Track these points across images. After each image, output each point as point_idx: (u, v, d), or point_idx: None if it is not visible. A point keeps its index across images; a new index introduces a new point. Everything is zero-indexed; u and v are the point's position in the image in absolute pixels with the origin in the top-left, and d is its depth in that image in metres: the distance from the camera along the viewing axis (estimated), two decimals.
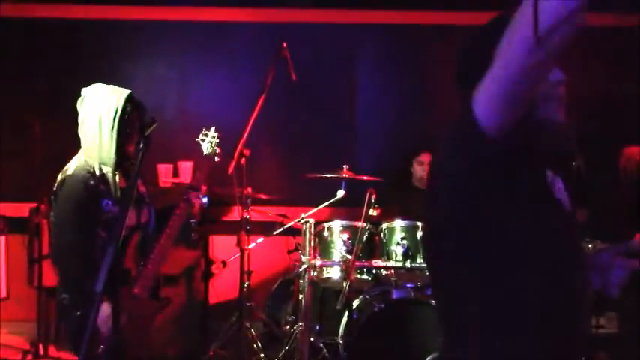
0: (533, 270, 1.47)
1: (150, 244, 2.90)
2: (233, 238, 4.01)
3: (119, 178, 2.79)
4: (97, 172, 2.72)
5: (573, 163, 3.38)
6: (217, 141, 3.22)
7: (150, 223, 2.99)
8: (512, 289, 1.46)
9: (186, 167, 4.80)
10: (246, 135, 3.89)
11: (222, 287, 4.51)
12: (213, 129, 3.23)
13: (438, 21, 4.99)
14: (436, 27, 4.99)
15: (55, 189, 2.73)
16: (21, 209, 4.55)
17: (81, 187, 2.68)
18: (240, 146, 3.83)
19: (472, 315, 1.50)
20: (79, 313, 2.63)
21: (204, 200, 3.72)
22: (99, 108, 2.73)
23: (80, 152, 2.79)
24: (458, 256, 1.51)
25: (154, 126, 2.08)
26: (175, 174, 4.85)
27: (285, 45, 4.12)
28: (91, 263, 2.59)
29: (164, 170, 4.82)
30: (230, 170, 3.76)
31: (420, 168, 4.52)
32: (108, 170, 2.74)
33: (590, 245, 3.89)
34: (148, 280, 2.81)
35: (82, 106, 2.78)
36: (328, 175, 4.01)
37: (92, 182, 2.69)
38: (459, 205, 1.48)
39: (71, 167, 2.75)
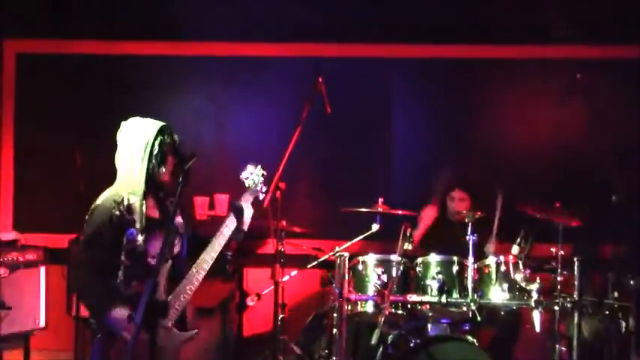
0: None
1: (181, 274, 2.93)
2: (267, 271, 4.03)
3: (148, 208, 2.84)
4: (125, 202, 2.79)
5: (613, 198, 3.33)
6: (262, 179, 3.23)
7: (182, 253, 3.02)
8: None
9: (222, 200, 4.85)
10: (281, 168, 3.92)
11: (257, 320, 4.51)
12: (259, 167, 3.24)
13: (474, 55, 5.01)
14: (472, 61, 5.00)
15: (86, 217, 2.82)
16: (60, 240, 4.64)
17: (106, 216, 2.77)
18: (276, 179, 3.86)
19: None
20: (99, 336, 2.72)
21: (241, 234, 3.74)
22: (132, 139, 2.84)
23: (115, 183, 2.87)
24: None
25: (193, 160, 2.11)
26: (211, 206, 4.90)
27: (320, 79, 4.17)
28: (109, 289, 2.69)
29: (200, 202, 4.88)
30: (266, 203, 3.79)
31: (453, 204, 4.49)
32: (136, 200, 2.81)
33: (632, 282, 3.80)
34: (176, 310, 2.84)
35: (119, 137, 2.88)
36: (363, 209, 4.01)
37: (117, 212, 2.76)
38: None
39: (102, 197, 2.84)
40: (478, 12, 4.93)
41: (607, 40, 4.82)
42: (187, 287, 2.88)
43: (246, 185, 3.17)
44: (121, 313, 2.67)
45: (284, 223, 4.05)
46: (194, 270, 2.91)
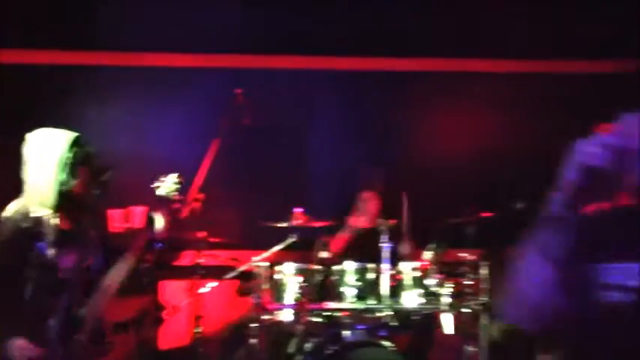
0: None
1: (95, 288, 2.87)
2: (185, 283, 3.99)
3: (60, 221, 2.79)
4: (34, 215, 2.73)
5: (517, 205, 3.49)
6: (176, 187, 3.19)
7: (96, 266, 2.96)
8: None
9: (137, 212, 4.76)
10: (200, 179, 3.91)
11: (174, 334, 4.45)
12: (175, 175, 3.20)
13: (389, 67, 5.16)
14: (388, 74, 5.15)
15: None
16: None
17: (11, 230, 2.71)
18: (194, 190, 3.84)
19: None
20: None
21: (158, 245, 3.70)
22: (41, 151, 2.79)
23: (23, 195, 2.80)
24: None
25: (110, 172, 2.09)
26: (127, 219, 4.80)
27: (239, 91, 4.20)
28: (12, 305, 2.63)
29: (115, 215, 4.77)
30: (183, 214, 3.76)
31: (363, 205, 4.58)
32: (46, 212, 2.75)
33: None
34: (90, 325, 2.78)
35: (26, 150, 2.82)
36: (281, 225, 4.03)
37: (25, 225, 2.71)
38: None
39: (8, 209, 2.77)
40: (395, 24, 5.08)
41: (523, 54, 5.08)
42: (102, 301, 2.83)
43: (159, 194, 3.12)
44: (19, 343, 2.59)
45: (202, 234, 4.03)
46: (109, 283, 2.86)
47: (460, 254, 4.00)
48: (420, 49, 5.09)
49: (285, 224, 4.03)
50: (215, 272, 4.25)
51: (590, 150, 1.50)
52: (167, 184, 3.15)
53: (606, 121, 3.17)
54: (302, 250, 4.17)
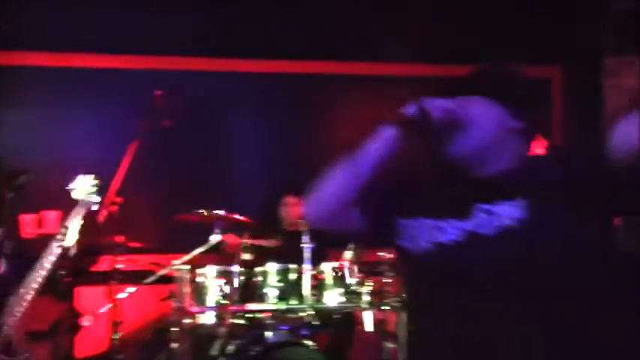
0: None
1: (6, 296, 2.78)
2: (103, 289, 3.90)
3: None
4: None
5: None
6: (94, 189, 3.13)
7: (6, 274, 2.86)
8: None
9: (51, 217, 4.61)
10: (118, 182, 3.84)
11: (92, 341, 4.34)
12: (92, 177, 3.13)
13: (309, 70, 5.22)
14: (308, 76, 5.21)
15: None
16: None
17: None
18: (111, 194, 3.77)
19: None
20: None
21: (73, 250, 3.61)
22: None
23: None
24: None
25: (25, 175, 2.04)
26: (40, 224, 4.65)
27: (159, 92, 4.15)
28: None
29: (27, 220, 4.60)
30: (101, 218, 3.69)
31: (285, 209, 4.64)
32: None
33: None
34: (2, 334, 2.69)
35: None
36: (203, 212, 4.00)
37: None
38: None
39: None
40: (315, 29, 5.15)
41: (436, 59, 5.24)
42: (14, 310, 2.74)
43: (75, 197, 3.06)
44: None
45: (121, 238, 3.96)
46: (22, 291, 2.77)
47: (379, 253, 4.11)
48: (336, 53, 5.17)
49: (206, 214, 4.00)
50: (134, 277, 4.18)
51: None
52: (83, 187, 3.08)
53: None
54: (224, 252, 4.16)
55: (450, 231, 1.68)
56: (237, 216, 4.14)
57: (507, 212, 1.63)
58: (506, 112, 1.75)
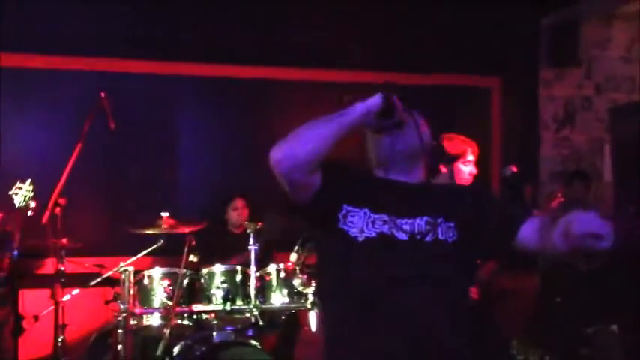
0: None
1: None
2: (47, 292, 3.87)
3: None
4: None
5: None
6: (32, 194, 3.13)
7: None
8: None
9: None
10: (61, 184, 3.82)
11: (35, 344, 4.29)
12: (28, 181, 3.13)
13: (256, 74, 5.28)
14: (254, 81, 5.27)
15: None
16: None
17: None
18: (55, 195, 3.76)
19: None
20: None
21: (14, 252, 3.59)
22: None
23: None
24: None
25: None
26: None
27: (103, 94, 4.15)
28: None
29: None
30: (44, 220, 3.67)
31: (235, 213, 4.71)
32: None
33: None
34: None
35: None
36: (148, 232, 4.00)
37: None
38: None
39: None
40: (261, 34, 5.22)
41: (382, 67, 5.37)
42: None
43: (16, 202, 3.06)
44: None
45: (64, 240, 3.94)
46: None
47: None
48: (283, 59, 5.25)
49: (152, 230, 4.02)
50: (79, 279, 4.17)
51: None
52: (23, 191, 3.09)
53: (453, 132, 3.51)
54: (170, 255, 4.19)
55: (380, 225, 1.89)
56: (182, 219, 4.16)
57: (412, 224, 1.91)
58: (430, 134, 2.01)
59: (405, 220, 1.89)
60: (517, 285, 4.95)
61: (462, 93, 5.60)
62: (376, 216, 1.89)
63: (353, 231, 1.87)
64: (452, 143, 3.35)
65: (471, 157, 3.37)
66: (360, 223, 1.88)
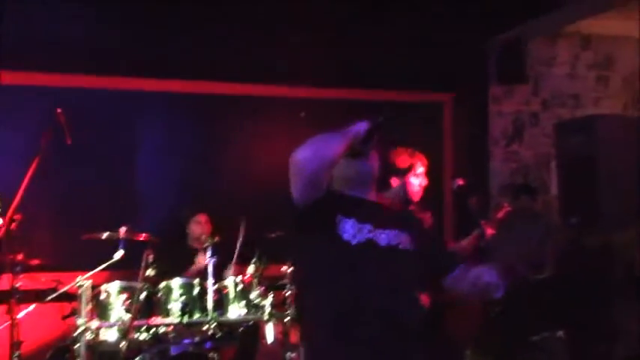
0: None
1: None
2: (2, 308, 3.84)
3: None
4: None
5: None
6: None
7: None
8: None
9: None
10: (17, 200, 3.82)
11: None
12: None
13: (214, 91, 5.34)
14: (212, 96, 5.33)
15: None
16: None
17: None
18: (11, 211, 3.75)
19: None
20: None
21: None
22: None
23: None
24: None
25: None
26: None
27: (59, 110, 4.16)
28: None
29: None
30: None
31: (198, 227, 4.75)
32: None
33: None
34: None
35: None
36: (105, 235, 4.00)
37: None
38: None
39: None
40: (218, 50, 5.28)
41: (335, 83, 5.50)
42: None
43: None
44: None
45: (20, 256, 3.92)
46: None
47: (281, 268, 4.28)
48: (238, 75, 5.32)
49: (109, 234, 4.01)
50: (35, 295, 4.14)
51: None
52: None
53: (407, 147, 3.65)
54: (128, 269, 4.20)
55: (367, 233, 2.22)
56: (140, 233, 4.18)
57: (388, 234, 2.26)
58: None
59: (381, 230, 2.23)
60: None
61: (415, 109, 5.77)
62: (362, 225, 2.21)
63: (346, 236, 2.18)
64: (401, 157, 3.48)
65: (420, 170, 3.50)
66: (352, 230, 2.19)
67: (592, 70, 6.51)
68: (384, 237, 2.22)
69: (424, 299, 3.37)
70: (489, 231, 3.41)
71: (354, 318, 2.13)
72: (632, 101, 6.64)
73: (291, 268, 4.19)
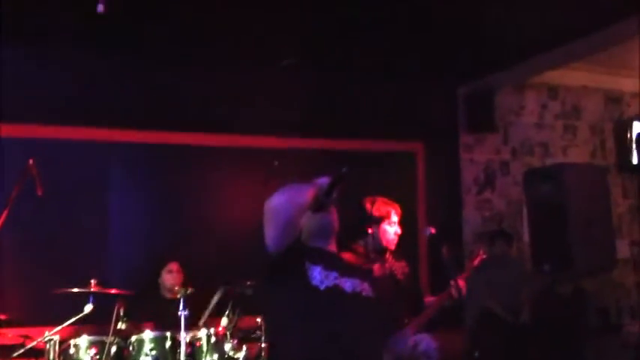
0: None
1: None
2: None
3: None
4: None
5: None
6: None
7: None
8: None
9: None
10: None
11: None
12: None
13: (187, 141, 5.35)
14: (185, 147, 5.33)
15: None
16: None
17: None
18: None
19: None
20: None
21: None
22: None
23: None
24: None
25: None
26: None
27: (31, 161, 4.13)
28: None
29: None
30: None
31: (170, 276, 4.68)
32: None
33: None
34: None
35: None
36: (74, 290, 3.94)
37: None
38: None
39: None
40: (190, 101, 5.32)
41: (307, 134, 5.54)
42: None
43: None
44: None
45: None
46: None
47: (255, 319, 4.22)
48: (211, 126, 5.34)
49: (79, 290, 3.93)
50: (3, 351, 4.01)
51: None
52: None
53: (381, 196, 3.67)
54: (98, 323, 4.10)
55: (333, 279, 2.34)
56: (110, 288, 4.10)
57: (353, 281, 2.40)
58: None
59: (346, 278, 2.35)
60: (443, 342, 5.07)
61: (387, 158, 5.83)
62: (328, 272, 2.32)
63: (315, 281, 2.28)
64: (376, 205, 3.51)
65: (395, 218, 3.53)
66: (319, 276, 2.30)
67: (559, 120, 6.68)
68: (349, 284, 2.35)
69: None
70: (461, 283, 3.42)
71: None
72: (599, 149, 6.81)
73: (262, 319, 4.14)
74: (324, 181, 2.34)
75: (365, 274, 2.48)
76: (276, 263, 2.25)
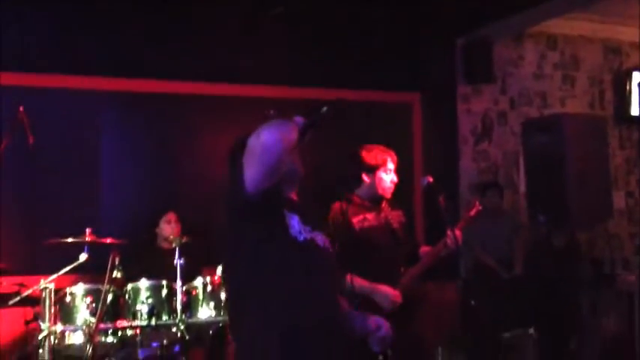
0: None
1: None
2: None
3: None
4: None
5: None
6: None
7: None
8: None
9: None
10: None
11: None
12: None
13: (180, 90, 5.27)
14: (177, 96, 5.25)
15: None
16: None
17: None
18: None
19: None
20: None
21: None
22: None
23: None
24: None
25: None
26: None
27: (21, 109, 4.06)
28: None
29: None
30: None
31: (168, 226, 4.65)
32: None
33: None
34: None
35: None
36: (69, 240, 3.92)
37: None
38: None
39: None
40: (183, 49, 5.21)
41: (303, 83, 5.45)
42: None
43: None
44: None
45: None
46: None
47: None
48: (204, 74, 5.23)
49: (73, 240, 3.91)
50: None
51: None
52: None
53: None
54: (93, 272, 4.10)
55: (309, 232, 2.19)
56: (106, 237, 4.09)
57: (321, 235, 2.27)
58: None
59: (317, 232, 2.21)
60: (438, 292, 5.12)
61: (384, 109, 5.76)
62: (305, 225, 2.17)
63: (293, 231, 2.13)
64: (371, 153, 3.46)
65: (391, 166, 3.48)
66: (297, 226, 2.15)
67: (558, 70, 6.59)
68: (320, 238, 2.20)
69: (397, 296, 3.35)
70: (457, 233, 3.40)
71: (310, 330, 2.06)
72: (598, 100, 6.75)
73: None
74: (299, 120, 2.12)
75: (321, 227, 2.31)
76: (252, 205, 2.03)
